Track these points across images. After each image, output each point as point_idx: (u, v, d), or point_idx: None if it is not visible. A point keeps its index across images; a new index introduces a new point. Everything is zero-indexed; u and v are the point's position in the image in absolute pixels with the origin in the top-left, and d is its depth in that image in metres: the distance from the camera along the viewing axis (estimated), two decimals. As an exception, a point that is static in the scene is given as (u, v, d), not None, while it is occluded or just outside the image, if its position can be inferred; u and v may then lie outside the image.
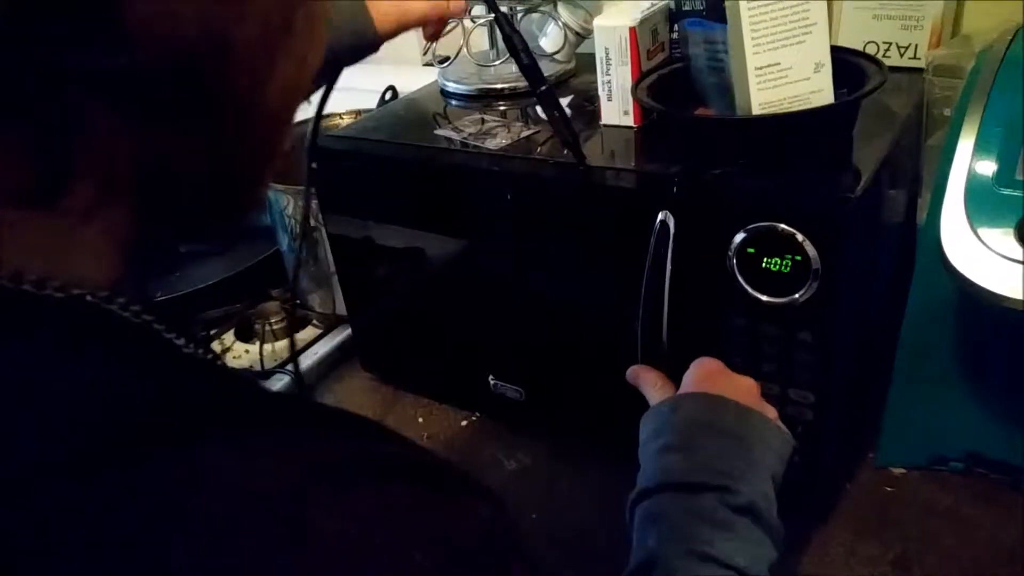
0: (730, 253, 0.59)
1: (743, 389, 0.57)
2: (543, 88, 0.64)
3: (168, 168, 0.29)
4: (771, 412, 0.57)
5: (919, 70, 0.73)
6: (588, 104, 0.78)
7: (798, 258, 0.57)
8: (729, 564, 0.45)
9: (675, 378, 0.61)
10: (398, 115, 0.89)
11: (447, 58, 0.89)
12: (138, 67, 0.25)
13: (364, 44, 0.66)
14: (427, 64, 0.92)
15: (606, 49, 0.70)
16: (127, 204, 0.29)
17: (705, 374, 0.58)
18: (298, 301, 1.03)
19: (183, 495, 0.24)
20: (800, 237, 0.56)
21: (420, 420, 0.89)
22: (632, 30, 0.69)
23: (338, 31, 0.63)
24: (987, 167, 0.59)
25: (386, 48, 1.27)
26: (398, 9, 0.64)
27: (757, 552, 0.48)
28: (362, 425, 0.32)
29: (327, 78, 0.65)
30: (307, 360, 0.97)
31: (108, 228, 0.29)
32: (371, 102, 0.91)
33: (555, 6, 0.84)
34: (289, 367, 0.93)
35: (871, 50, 0.78)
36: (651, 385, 0.60)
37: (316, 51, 0.31)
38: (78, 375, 0.25)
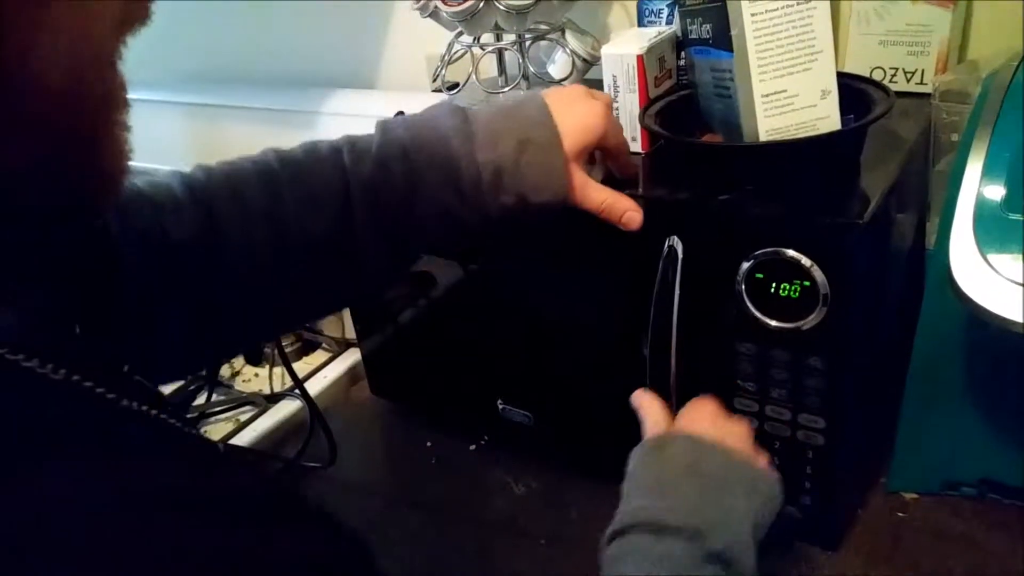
0: (739, 278, 0.59)
1: (735, 434, 0.57)
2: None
3: None
4: (761, 459, 0.57)
5: (926, 95, 0.73)
6: (596, 130, 0.79)
7: (807, 284, 0.57)
8: None
9: (683, 403, 0.61)
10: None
11: (456, 84, 0.90)
12: None
13: (540, 207, 0.56)
14: (436, 90, 0.93)
15: (614, 76, 0.71)
16: None
17: (699, 416, 0.58)
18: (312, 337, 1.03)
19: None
20: (808, 263, 0.56)
21: (429, 444, 0.89)
22: (639, 58, 0.69)
23: (519, 184, 0.55)
24: (995, 192, 0.58)
25: (396, 74, 1.27)
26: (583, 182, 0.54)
27: None
28: (207, 454, 0.35)
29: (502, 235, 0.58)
30: (317, 384, 0.97)
31: None
32: (381, 128, 0.92)
33: (563, 33, 0.85)
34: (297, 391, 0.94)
35: (878, 76, 0.78)
36: (650, 416, 0.60)
37: (87, 24, 0.31)
38: None
